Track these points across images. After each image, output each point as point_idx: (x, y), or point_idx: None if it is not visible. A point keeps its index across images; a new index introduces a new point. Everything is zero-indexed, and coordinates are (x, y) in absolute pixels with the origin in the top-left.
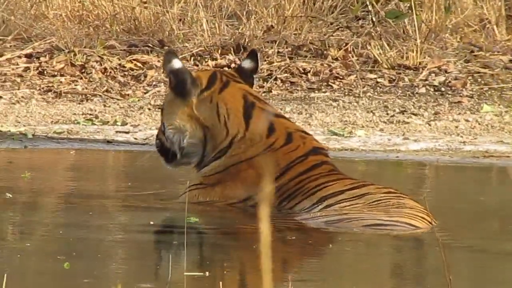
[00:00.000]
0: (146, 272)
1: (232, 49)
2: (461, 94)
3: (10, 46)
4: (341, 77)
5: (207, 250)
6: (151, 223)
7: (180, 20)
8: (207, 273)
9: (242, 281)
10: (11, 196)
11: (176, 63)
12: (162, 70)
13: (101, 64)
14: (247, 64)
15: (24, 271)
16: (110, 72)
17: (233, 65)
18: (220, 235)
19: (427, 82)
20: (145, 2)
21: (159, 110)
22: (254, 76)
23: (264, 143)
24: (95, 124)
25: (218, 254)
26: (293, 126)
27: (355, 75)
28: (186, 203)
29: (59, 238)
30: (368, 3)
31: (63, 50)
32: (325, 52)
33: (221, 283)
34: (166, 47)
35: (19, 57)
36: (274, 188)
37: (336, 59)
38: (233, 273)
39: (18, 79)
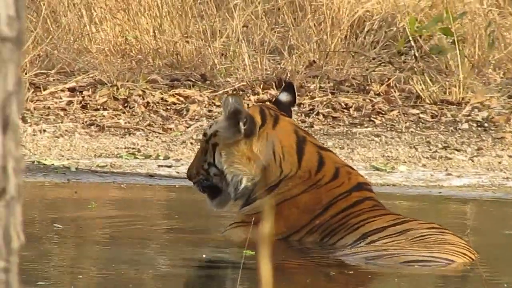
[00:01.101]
0: None
1: (274, 84)
2: (505, 130)
3: (53, 80)
4: (383, 112)
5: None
6: (204, 256)
7: (222, 54)
8: None
9: None
10: (60, 227)
11: (236, 102)
12: (224, 111)
13: (143, 98)
14: (284, 97)
15: None
16: (153, 106)
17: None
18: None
19: (470, 117)
20: (187, 37)
21: (200, 144)
22: (292, 108)
23: (312, 180)
24: (137, 158)
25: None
26: (340, 161)
27: (397, 110)
28: (247, 240)
29: (100, 273)
30: (411, 38)
31: (106, 84)
32: (367, 87)
33: None
34: (208, 81)
35: (62, 90)
36: (306, 230)
37: (378, 94)
38: None
39: (61, 113)
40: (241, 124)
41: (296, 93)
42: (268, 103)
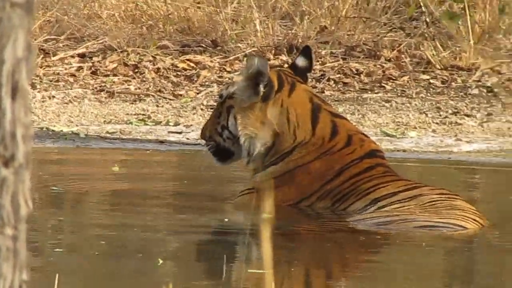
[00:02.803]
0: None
1: (285, 49)
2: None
3: (63, 45)
4: (394, 78)
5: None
6: (226, 220)
7: (234, 20)
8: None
9: (298, 280)
10: (58, 189)
11: (260, 62)
12: (245, 70)
13: (154, 64)
14: (301, 62)
15: (75, 270)
16: (163, 72)
17: (285, 66)
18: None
19: (480, 83)
20: (198, 2)
21: (212, 109)
22: (308, 74)
23: (325, 147)
24: (147, 124)
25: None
26: (354, 128)
27: (408, 76)
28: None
29: (114, 237)
30: (422, 4)
31: (116, 50)
32: (378, 53)
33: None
34: (219, 47)
35: (72, 56)
36: (317, 196)
37: (389, 60)
38: (294, 272)
39: (71, 79)
40: (261, 86)
41: (313, 59)
42: (285, 66)
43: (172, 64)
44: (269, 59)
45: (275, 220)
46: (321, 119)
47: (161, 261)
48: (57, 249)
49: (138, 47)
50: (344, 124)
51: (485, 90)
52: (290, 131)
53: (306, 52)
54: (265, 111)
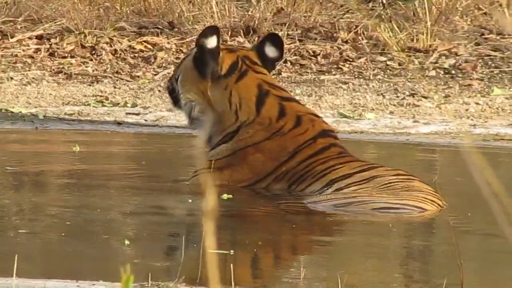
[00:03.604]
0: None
1: (242, 31)
2: (472, 77)
3: (21, 27)
4: (351, 59)
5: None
6: (189, 201)
7: (190, 2)
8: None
9: (253, 261)
10: (13, 169)
11: (212, 42)
12: (196, 39)
13: (111, 46)
14: (271, 52)
15: (33, 251)
16: (120, 54)
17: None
18: (239, 216)
19: (437, 65)
20: None
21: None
22: (276, 63)
23: (273, 127)
24: (105, 106)
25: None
26: (303, 109)
27: (365, 58)
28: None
29: (68, 219)
30: None
31: (74, 32)
32: (335, 34)
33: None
34: (176, 29)
35: (30, 38)
36: (273, 177)
37: (346, 41)
38: (251, 254)
39: (29, 61)
40: (207, 69)
41: (284, 48)
42: (252, 53)
43: (129, 46)
44: (225, 41)
45: (233, 201)
46: (267, 102)
47: (127, 242)
48: (19, 231)
49: (95, 29)
50: (292, 106)
51: (442, 72)
52: (231, 111)
53: (275, 41)
54: (206, 88)
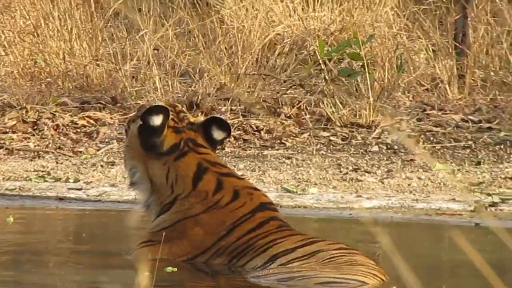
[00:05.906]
0: None
1: (185, 106)
2: (414, 153)
3: None
4: (294, 135)
5: None
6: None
7: (133, 77)
8: None
9: None
10: None
11: (157, 121)
12: (138, 112)
13: (53, 121)
14: (220, 136)
15: None
16: (63, 129)
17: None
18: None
19: (380, 140)
20: (97, 60)
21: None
22: (224, 141)
23: (210, 200)
24: (47, 181)
25: None
26: (241, 183)
27: (308, 133)
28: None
29: None
30: (320, 61)
31: (15, 107)
32: (278, 110)
33: None
34: (119, 104)
35: None
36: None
37: (289, 116)
38: None
39: None
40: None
41: (231, 130)
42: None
43: (72, 121)
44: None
45: (176, 274)
46: (205, 178)
47: None
48: None
49: (37, 104)
50: (230, 181)
51: (385, 147)
52: (168, 185)
53: (226, 127)
54: (147, 160)
